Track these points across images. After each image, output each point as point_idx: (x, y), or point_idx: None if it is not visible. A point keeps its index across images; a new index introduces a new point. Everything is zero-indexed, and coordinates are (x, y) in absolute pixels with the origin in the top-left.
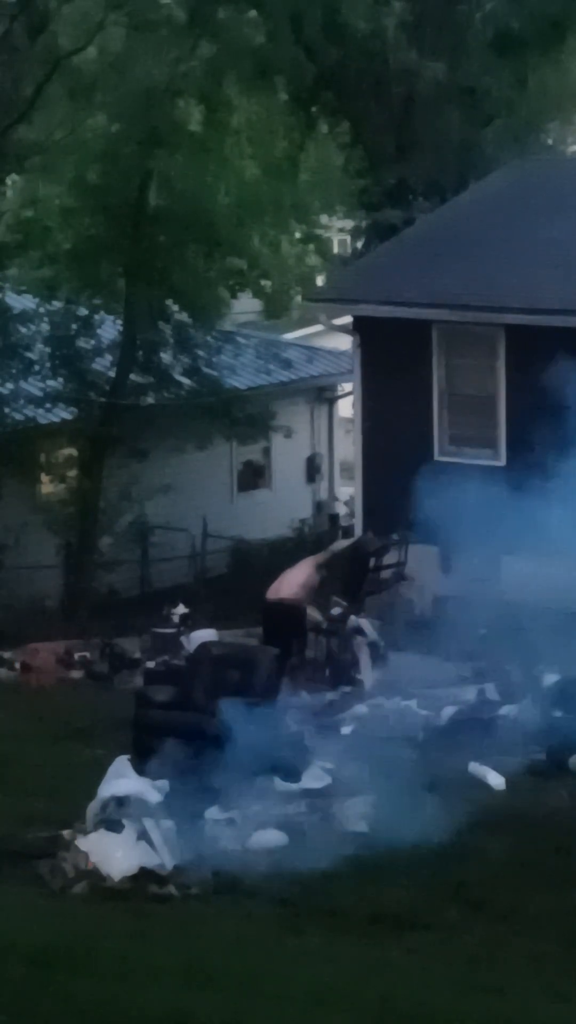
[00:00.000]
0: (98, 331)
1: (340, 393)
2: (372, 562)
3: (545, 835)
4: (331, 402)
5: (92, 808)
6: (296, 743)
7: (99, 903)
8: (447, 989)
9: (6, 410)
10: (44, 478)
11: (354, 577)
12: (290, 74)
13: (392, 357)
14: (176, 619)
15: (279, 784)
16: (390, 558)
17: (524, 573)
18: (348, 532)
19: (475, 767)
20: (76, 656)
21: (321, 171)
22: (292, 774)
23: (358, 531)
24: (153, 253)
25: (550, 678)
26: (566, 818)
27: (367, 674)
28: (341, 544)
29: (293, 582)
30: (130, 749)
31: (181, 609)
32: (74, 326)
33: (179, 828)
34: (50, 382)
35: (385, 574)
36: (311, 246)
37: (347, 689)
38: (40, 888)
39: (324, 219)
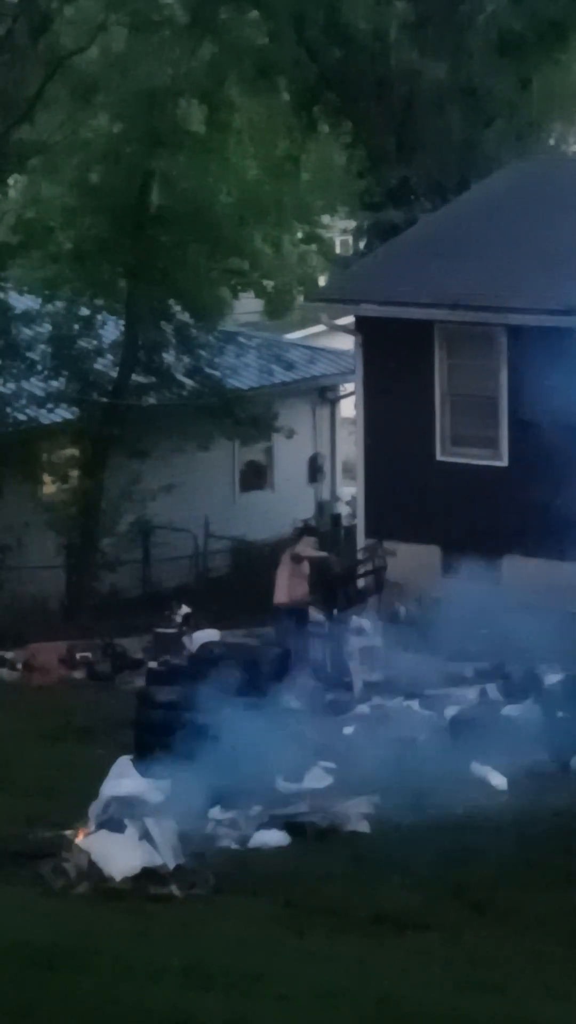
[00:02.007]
0: (100, 331)
1: (342, 393)
2: (340, 582)
3: (547, 835)
4: (333, 402)
5: (94, 808)
6: (297, 742)
7: (101, 903)
8: (448, 989)
9: (8, 410)
10: (46, 478)
11: (326, 596)
12: (292, 74)
13: (394, 357)
14: (178, 619)
15: (280, 784)
16: (366, 566)
17: (525, 573)
18: (350, 532)
19: (477, 767)
20: (78, 656)
21: (323, 171)
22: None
23: (360, 531)
24: (155, 253)
25: (552, 678)
26: (568, 818)
27: (357, 676)
28: (310, 551)
29: (281, 583)
30: (132, 749)
31: (183, 609)
32: (76, 326)
33: (181, 828)
34: (52, 382)
35: (364, 582)
36: (313, 246)
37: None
38: (42, 888)
39: (326, 219)
